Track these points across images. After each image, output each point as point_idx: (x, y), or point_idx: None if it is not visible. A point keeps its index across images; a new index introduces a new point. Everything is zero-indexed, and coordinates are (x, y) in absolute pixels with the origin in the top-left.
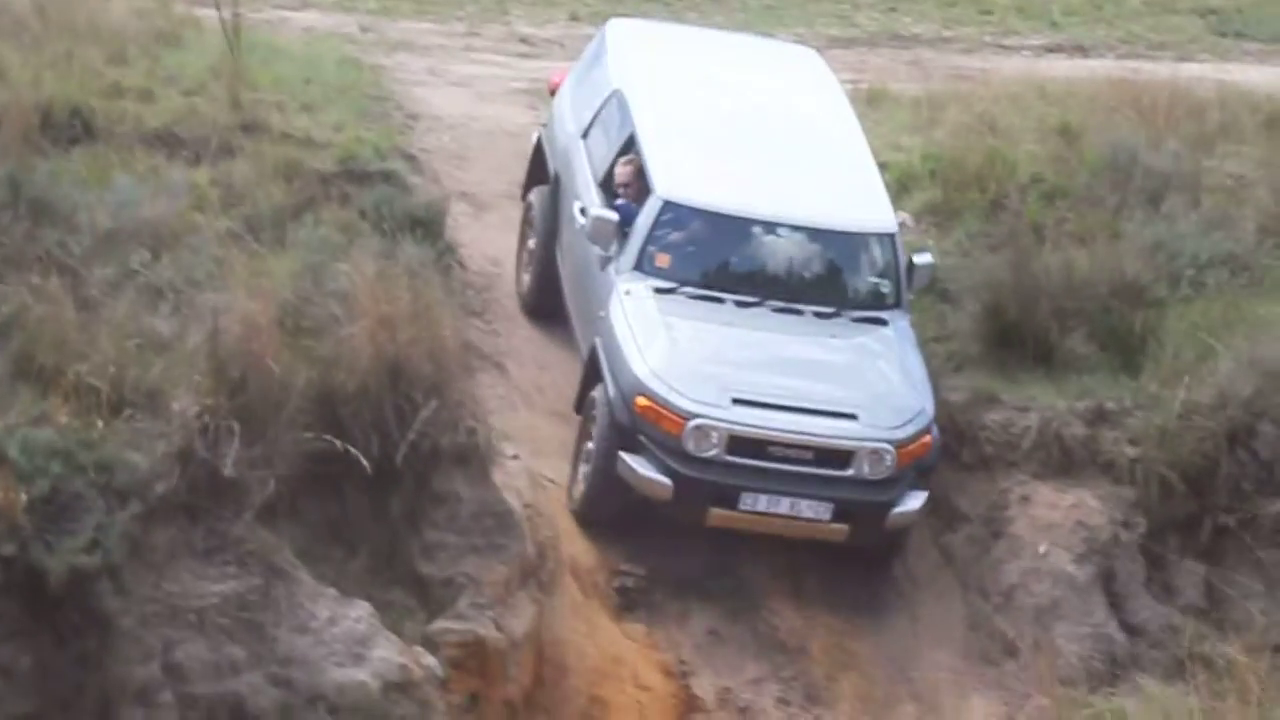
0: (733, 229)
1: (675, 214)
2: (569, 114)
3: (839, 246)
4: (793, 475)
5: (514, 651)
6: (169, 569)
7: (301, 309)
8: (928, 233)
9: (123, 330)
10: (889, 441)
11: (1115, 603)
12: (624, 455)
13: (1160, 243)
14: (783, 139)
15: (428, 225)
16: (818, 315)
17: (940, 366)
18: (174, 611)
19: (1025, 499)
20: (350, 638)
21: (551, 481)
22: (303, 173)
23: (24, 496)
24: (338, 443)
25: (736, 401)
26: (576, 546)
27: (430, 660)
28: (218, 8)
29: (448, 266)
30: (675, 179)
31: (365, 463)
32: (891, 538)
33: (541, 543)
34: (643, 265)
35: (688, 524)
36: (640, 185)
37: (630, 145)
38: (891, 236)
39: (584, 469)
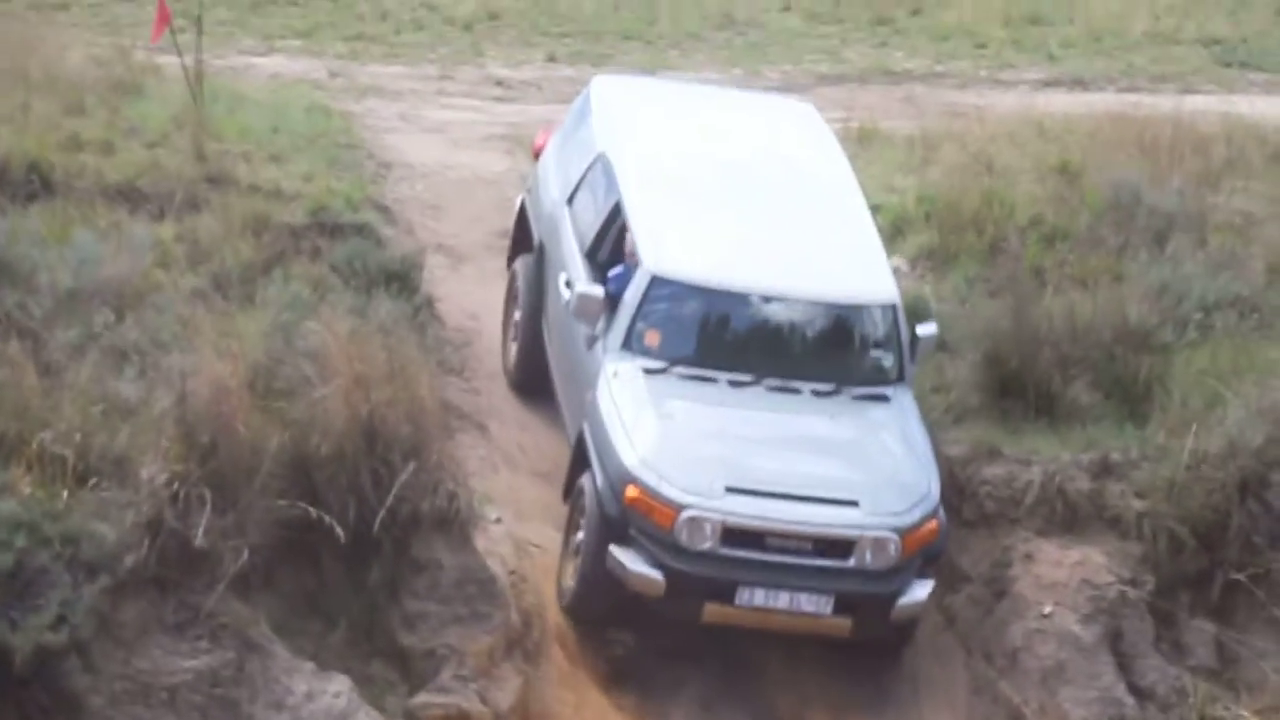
0: (726, 304)
1: (665, 289)
2: (553, 178)
3: (838, 320)
4: (791, 567)
5: None
6: (139, 645)
7: (273, 370)
8: (923, 278)
9: (87, 395)
10: (893, 529)
11: (1123, 664)
12: (613, 549)
13: (1165, 285)
14: (778, 205)
15: (403, 279)
16: (816, 394)
17: (939, 419)
18: (145, 689)
19: (1028, 557)
20: (329, 714)
21: (536, 547)
22: (271, 226)
23: None
24: (313, 510)
25: (731, 490)
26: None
27: None
28: (179, 54)
29: (424, 322)
30: (664, 252)
31: (341, 530)
32: (898, 630)
33: (527, 610)
34: (631, 344)
35: (682, 621)
36: None
37: (617, 214)
38: (893, 307)
39: (573, 560)
